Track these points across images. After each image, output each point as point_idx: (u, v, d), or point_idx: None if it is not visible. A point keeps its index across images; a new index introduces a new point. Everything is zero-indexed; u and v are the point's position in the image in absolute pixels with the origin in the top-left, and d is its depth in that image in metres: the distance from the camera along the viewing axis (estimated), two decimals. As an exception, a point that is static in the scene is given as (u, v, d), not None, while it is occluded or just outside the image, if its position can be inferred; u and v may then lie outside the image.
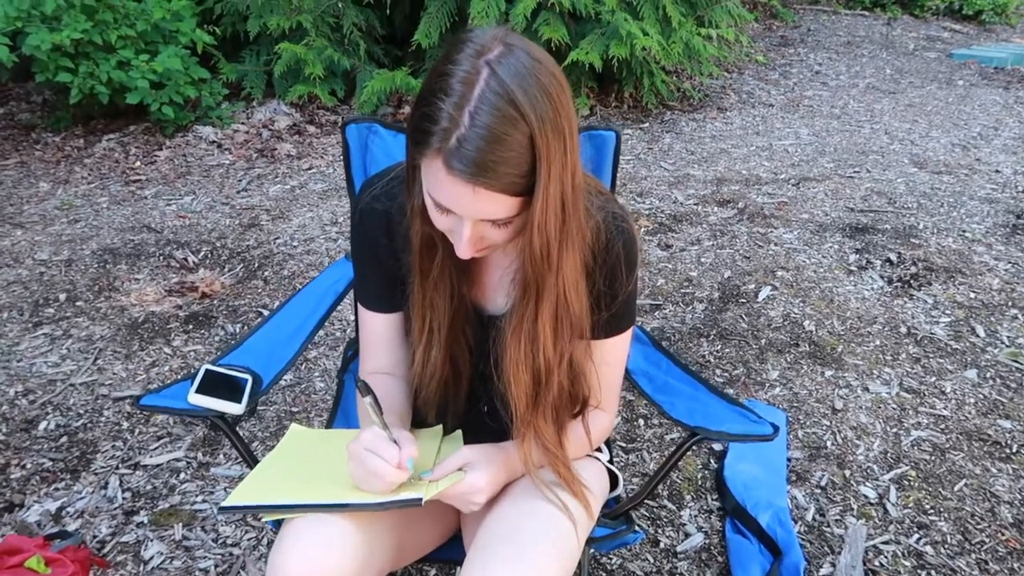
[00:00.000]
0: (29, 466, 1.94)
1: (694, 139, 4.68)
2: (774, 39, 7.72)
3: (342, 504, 0.97)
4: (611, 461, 1.33)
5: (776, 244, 3.22)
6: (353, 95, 4.80)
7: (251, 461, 1.22)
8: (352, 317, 2.59)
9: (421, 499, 0.95)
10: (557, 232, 0.91)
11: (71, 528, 1.75)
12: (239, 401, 1.18)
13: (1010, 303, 2.78)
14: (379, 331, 1.19)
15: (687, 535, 1.79)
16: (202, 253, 3.08)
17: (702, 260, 3.09)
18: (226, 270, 2.97)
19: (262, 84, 4.80)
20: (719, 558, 1.73)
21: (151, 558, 1.68)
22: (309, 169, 4.06)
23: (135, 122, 4.43)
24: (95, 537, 1.73)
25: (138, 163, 4.05)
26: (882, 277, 2.95)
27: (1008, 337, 2.57)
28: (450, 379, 1.13)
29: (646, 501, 1.88)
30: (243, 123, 4.52)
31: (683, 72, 5.68)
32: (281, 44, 4.45)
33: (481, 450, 1.06)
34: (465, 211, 0.89)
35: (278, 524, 1.03)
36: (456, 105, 0.84)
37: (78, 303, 2.68)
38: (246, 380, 1.23)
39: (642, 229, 3.37)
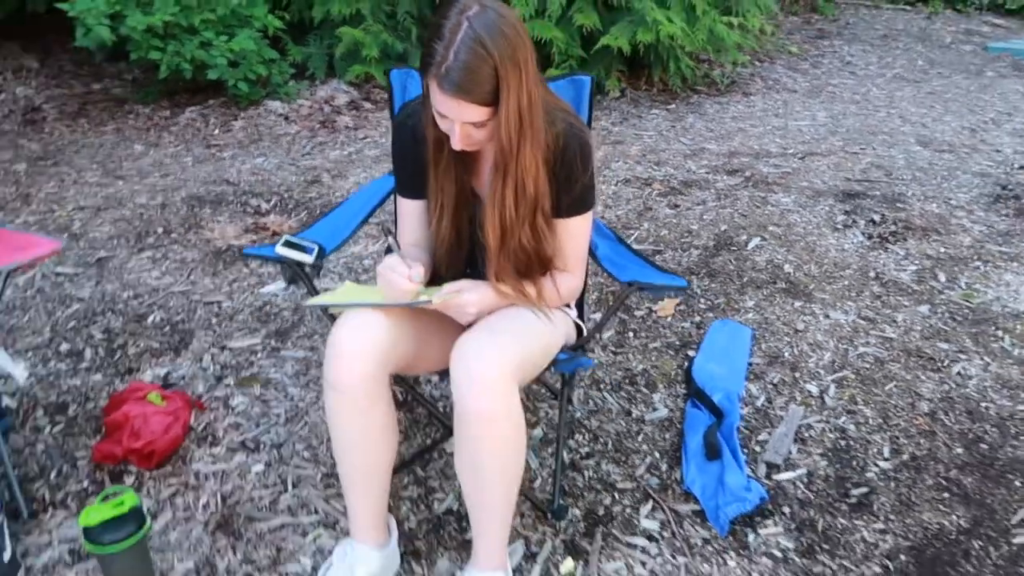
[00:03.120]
0: (142, 345, 2.48)
1: (715, 119, 5.07)
2: (811, 31, 7.99)
3: (380, 303, 1.47)
4: (580, 318, 1.78)
5: (773, 206, 3.61)
6: (405, 76, 5.31)
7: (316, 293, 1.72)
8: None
9: (431, 300, 1.44)
10: (516, 133, 1.37)
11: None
12: (310, 256, 1.68)
13: (976, 257, 3.12)
14: (409, 211, 1.67)
15: (655, 410, 2.23)
16: (272, 202, 3.61)
17: (704, 217, 3.50)
18: (293, 216, 3.49)
19: (324, 65, 5.35)
20: (677, 425, 2.16)
21: (236, 406, 2.19)
22: (364, 138, 4.58)
23: (213, 96, 5.02)
24: (194, 392, 2.25)
25: (216, 131, 4.63)
26: (863, 233, 3.32)
27: (966, 283, 2.93)
28: (455, 244, 1.60)
29: (626, 387, 2.33)
30: (307, 99, 5.06)
31: (714, 61, 6.05)
32: (342, 29, 4.99)
33: (474, 281, 1.53)
34: (454, 116, 1.36)
35: (331, 320, 1.52)
36: (445, 46, 1.30)
37: (172, 235, 3.24)
38: (313, 248, 1.73)
39: (655, 192, 3.79)
